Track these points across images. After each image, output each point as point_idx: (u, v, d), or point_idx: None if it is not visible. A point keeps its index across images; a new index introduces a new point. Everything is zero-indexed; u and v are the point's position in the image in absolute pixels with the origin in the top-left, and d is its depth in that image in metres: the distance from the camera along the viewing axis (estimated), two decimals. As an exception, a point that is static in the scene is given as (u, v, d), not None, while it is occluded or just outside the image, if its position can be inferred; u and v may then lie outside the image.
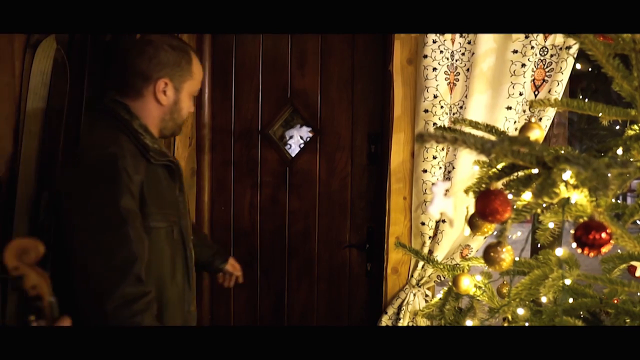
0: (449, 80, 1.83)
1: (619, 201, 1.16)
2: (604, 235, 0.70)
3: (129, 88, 1.35)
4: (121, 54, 1.39)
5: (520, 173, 0.81)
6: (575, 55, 1.77)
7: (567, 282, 1.15)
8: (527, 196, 0.82)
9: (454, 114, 1.86)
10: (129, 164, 1.21)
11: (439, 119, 1.82)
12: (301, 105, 2.25)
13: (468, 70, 1.83)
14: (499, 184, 0.79)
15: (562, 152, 0.77)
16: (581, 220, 0.73)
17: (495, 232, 1.08)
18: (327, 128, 2.23)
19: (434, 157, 1.84)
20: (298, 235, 2.25)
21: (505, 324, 1.30)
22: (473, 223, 0.99)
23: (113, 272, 1.16)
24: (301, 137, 2.26)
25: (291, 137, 2.41)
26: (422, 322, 1.84)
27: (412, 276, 1.92)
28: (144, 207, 1.23)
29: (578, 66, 2.14)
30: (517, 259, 1.17)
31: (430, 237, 1.88)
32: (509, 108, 1.79)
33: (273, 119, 2.25)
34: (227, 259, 1.85)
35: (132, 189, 1.20)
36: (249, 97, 2.26)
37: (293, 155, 2.29)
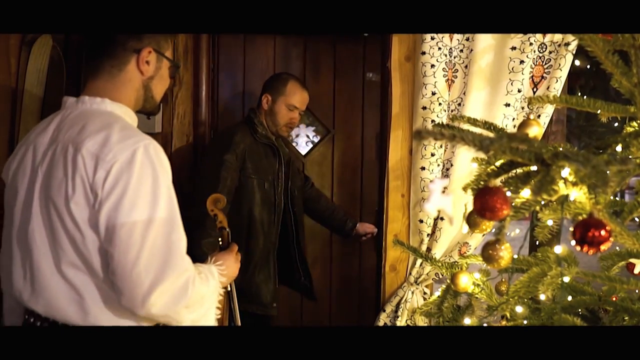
0: (447, 77, 1.82)
1: (617, 198, 1.15)
2: (602, 232, 0.70)
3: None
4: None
5: (519, 170, 0.81)
6: (574, 52, 1.76)
7: (566, 279, 1.15)
8: (525, 193, 0.81)
9: (452, 111, 1.85)
10: (239, 137, 2.05)
11: (437, 116, 1.81)
12: (315, 105, 2.39)
13: (466, 67, 1.82)
14: (498, 181, 0.79)
15: (561, 149, 0.77)
16: (580, 218, 0.73)
17: (493, 230, 1.08)
18: (340, 127, 2.42)
19: (432, 155, 1.83)
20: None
21: (504, 322, 1.30)
22: (471, 220, 0.98)
23: (202, 190, 1.89)
24: (307, 136, 2.46)
25: (297, 136, 2.58)
26: (420, 320, 1.84)
27: (410, 274, 1.92)
28: (244, 162, 2.04)
29: (577, 63, 2.13)
30: (515, 256, 1.17)
31: (428, 235, 1.88)
32: (508, 105, 1.79)
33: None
34: (355, 223, 2.38)
35: (237, 151, 2.02)
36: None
37: (304, 153, 2.51)
